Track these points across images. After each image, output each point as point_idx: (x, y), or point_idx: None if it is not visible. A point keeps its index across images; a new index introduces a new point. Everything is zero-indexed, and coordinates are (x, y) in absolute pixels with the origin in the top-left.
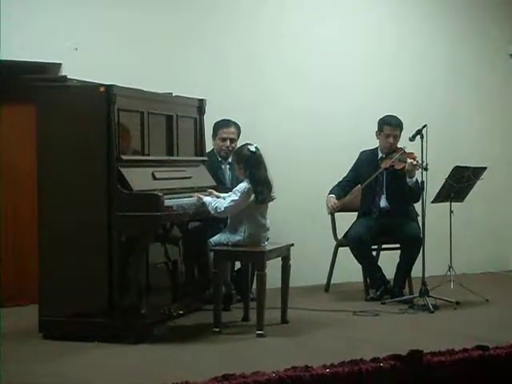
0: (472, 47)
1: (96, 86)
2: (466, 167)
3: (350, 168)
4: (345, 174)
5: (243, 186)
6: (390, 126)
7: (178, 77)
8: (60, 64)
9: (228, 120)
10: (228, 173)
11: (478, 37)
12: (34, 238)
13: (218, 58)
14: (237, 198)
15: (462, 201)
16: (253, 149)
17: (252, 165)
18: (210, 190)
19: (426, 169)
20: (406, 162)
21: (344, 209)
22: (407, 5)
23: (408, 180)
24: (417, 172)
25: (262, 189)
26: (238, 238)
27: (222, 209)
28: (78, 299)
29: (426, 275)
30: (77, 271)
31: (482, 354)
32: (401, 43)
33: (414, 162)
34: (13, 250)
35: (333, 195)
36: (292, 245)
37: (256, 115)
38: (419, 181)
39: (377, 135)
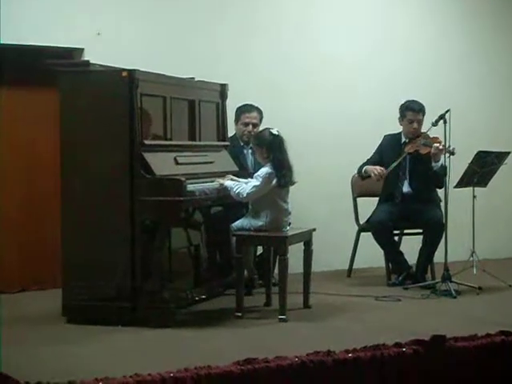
0: (496, 33)
1: (118, 71)
2: (489, 152)
3: (373, 151)
4: (368, 157)
5: (265, 170)
6: (412, 111)
7: (200, 61)
8: (82, 49)
9: (250, 105)
10: (250, 157)
11: (502, 22)
12: (57, 222)
13: (241, 42)
14: (259, 183)
15: (485, 186)
16: (275, 132)
17: (274, 149)
18: (229, 176)
19: (452, 153)
20: (431, 147)
21: (366, 193)
22: None
23: (434, 164)
24: (442, 156)
25: (284, 172)
26: (260, 222)
27: (245, 194)
28: (101, 284)
29: (449, 260)
30: (100, 256)
31: (504, 340)
32: (424, 26)
33: (441, 147)
34: (36, 233)
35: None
36: (314, 230)
37: (278, 100)
38: (443, 165)
39: (400, 121)
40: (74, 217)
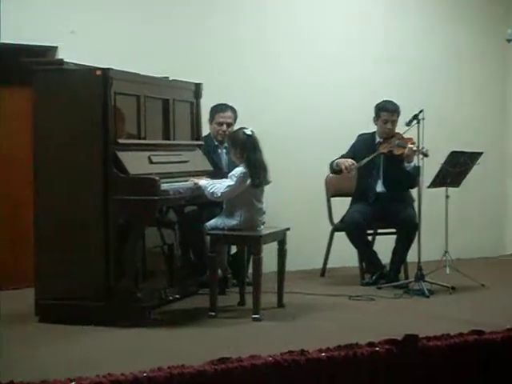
0: (469, 31)
1: (92, 70)
2: (462, 152)
3: (347, 149)
4: (342, 154)
5: (239, 170)
6: (387, 111)
7: (176, 60)
8: (56, 47)
9: (225, 104)
10: (224, 157)
11: (475, 21)
12: (31, 221)
13: (216, 43)
14: (233, 182)
15: (458, 186)
16: (248, 132)
17: (248, 148)
18: (204, 177)
19: (426, 154)
20: (405, 148)
21: (340, 193)
22: None
23: (406, 165)
24: (414, 157)
25: (258, 172)
26: (234, 222)
27: (219, 194)
28: (75, 282)
29: (422, 260)
30: (73, 255)
31: (477, 339)
32: (400, 27)
33: (414, 148)
34: (10, 233)
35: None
36: (288, 229)
37: (252, 100)
38: (416, 166)
39: (374, 121)
40: (47, 215)
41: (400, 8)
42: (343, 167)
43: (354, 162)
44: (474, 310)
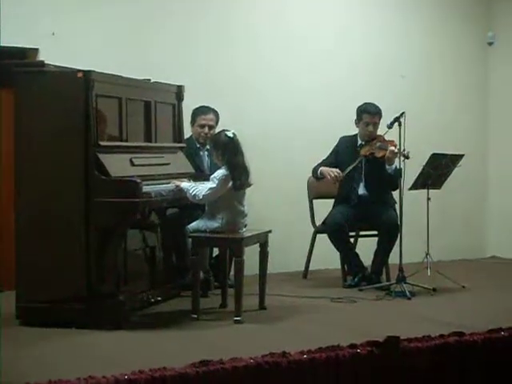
0: (450, 35)
1: (74, 72)
2: (443, 154)
3: (329, 152)
4: (324, 157)
5: (221, 172)
6: (368, 114)
7: (156, 63)
8: (37, 49)
9: (207, 107)
10: (206, 159)
11: (455, 24)
12: (11, 224)
13: (197, 43)
14: (215, 185)
15: (439, 188)
16: (230, 135)
17: (229, 151)
18: (185, 180)
19: (407, 157)
20: (386, 150)
21: (322, 195)
22: None
23: (387, 167)
24: (396, 159)
25: (239, 175)
26: (215, 224)
27: (201, 196)
28: (56, 285)
29: (403, 262)
30: (54, 258)
31: (458, 340)
32: (383, 30)
33: (395, 150)
34: None
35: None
36: (270, 231)
37: (234, 101)
38: (398, 168)
39: (356, 123)
40: (28, 217)
41: (383, 10)
42: (328, 177)
43: (339, 171)
44: (454, 311)
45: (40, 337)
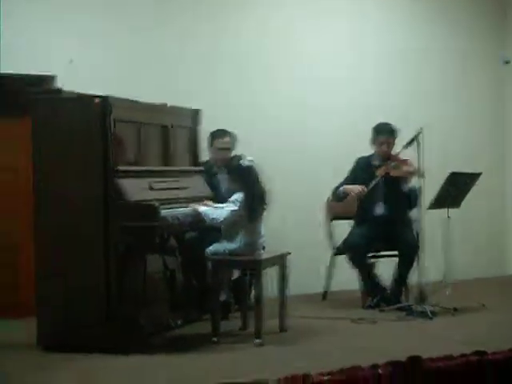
0: (465, 52)
1: (91, 98)
2: (462, 173)
3: (347, 174)
4: (341, 180)
5: (240, 195)
6: (383, 134)
7: (172, 88)
8: (54, 76)
9: (223, 130)
10: (224, 182)
11: (471, 42)
12: (31, 249)
13: (211, 68)
14: (236, 208)
15: (458, 206)
16: (246, 163)
17: (246, 180)
18: (205, 202)
19: (422, 175)
20: (401, 169)
21: (341, 216)
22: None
23: (404, 186)
24: (413, 178)
25: (254, 205)
26: (234, 246)
27: (221, 219)
28: (77, 310)
29: (423, 281)
30: (75, 283)
31: (480, 359)
32: (394, 50)
33: (411, 169)
34: (9, 260)
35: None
36: (289, 253)
37: (251, 126)
38: (416, 187)
39: (371, 143)
40: (48, 244)
41: (396, 29)
42: (353, 193)
43: (364, 187)
44: (476, 330)
45: (61, 362)
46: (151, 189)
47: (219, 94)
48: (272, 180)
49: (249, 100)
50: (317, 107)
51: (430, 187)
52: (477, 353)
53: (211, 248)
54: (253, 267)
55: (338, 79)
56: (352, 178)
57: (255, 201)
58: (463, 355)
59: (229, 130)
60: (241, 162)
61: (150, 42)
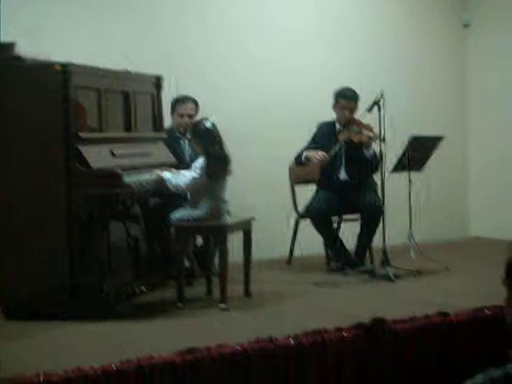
0: (427, 16)
1: (52, 65)
2: (423, 137)
3: (308, 139)
4: (305, 145)
5: (201, 161)
6: (345, 98)
7: (134, 53)
8: (14, 43)
9: (186, 96)
10: (187, 149)
11: (432, 6)
12: None
13: (175, 33)
14: (196, 174)
15: (420, 170)
16: (208, 124)
17: (207, 140)
18: (169, 169)
19: (383, 140)
20: (362, 134)
21: (304, 181)
22: None
23: (365, 151)
24: (374, 143)
25: (215, 165)
26: (198, 212)
27: (183, 186)
28: (40, 279)
29: (387, 245)
30: (37, 251)
31: (442, 320)
32: (357, 13)
33: (371, 134)
34: None
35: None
36: (253, 218)
37: (214, 89)
38: (377, 151)
39: (333, 107)
40: (8, 213)
41: None
42: (315, 160)
43: (325, 154)
44: (439, 292)
45: (24, 330)
46: (113, 155)
47: (187, 56)
48: (237, 143)
49: (218, 61)
50: (284, 67)
51: (392, 151)
52: (440, 314)
53: (175, 214)
54: (217, 233)
55: (303, 36)
56: (314, 144)
57: (214, 160)
58: (426, 316)
59: (192, 95)
60: (203, 121)
61: (116, 6)
